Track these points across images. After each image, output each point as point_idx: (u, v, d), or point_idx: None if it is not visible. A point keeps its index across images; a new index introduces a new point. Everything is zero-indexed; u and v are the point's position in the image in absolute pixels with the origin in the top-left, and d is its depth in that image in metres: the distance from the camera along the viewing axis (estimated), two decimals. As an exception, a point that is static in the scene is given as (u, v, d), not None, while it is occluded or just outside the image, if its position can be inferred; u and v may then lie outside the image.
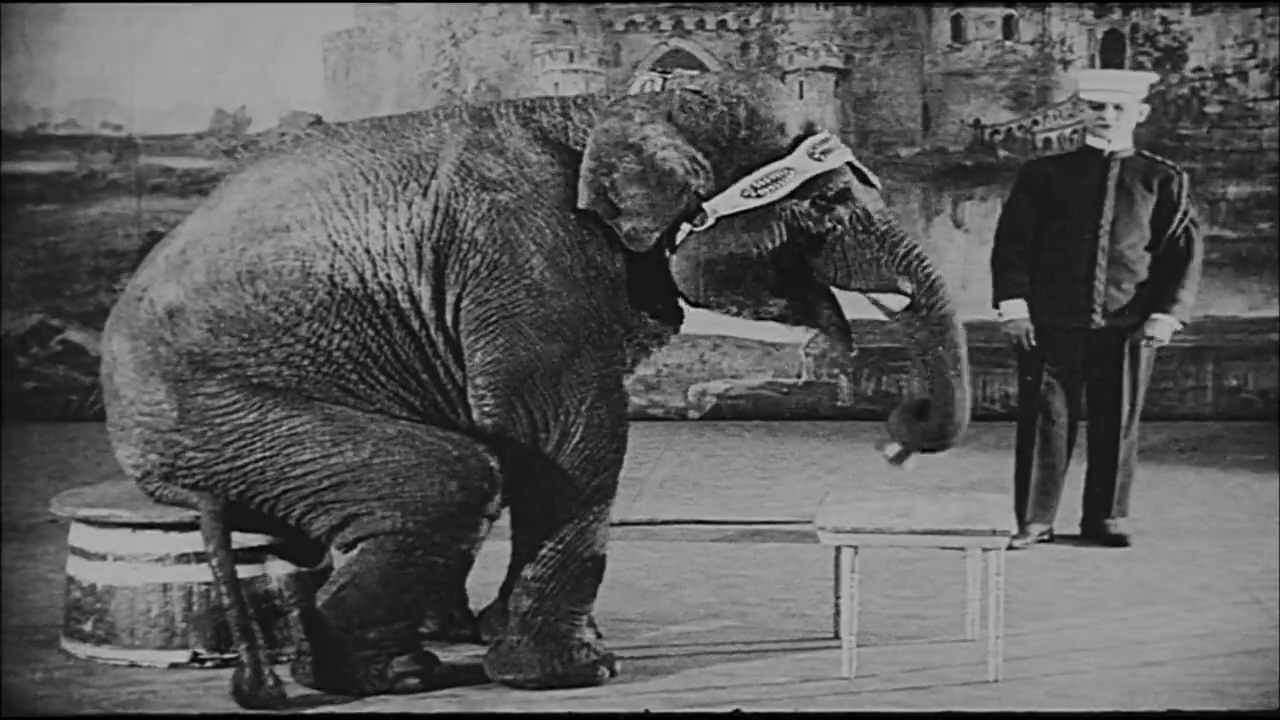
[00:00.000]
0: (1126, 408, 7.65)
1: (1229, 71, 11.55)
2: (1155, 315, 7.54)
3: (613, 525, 5.61)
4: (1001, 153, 11.55)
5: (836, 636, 5.96)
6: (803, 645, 6.08)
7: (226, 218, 5.51)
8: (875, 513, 5.76)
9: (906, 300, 5.54)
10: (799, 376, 11.76)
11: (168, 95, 11.66)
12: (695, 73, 5.69)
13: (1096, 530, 7.69)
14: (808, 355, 11.66)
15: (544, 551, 5.49)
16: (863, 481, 9.14)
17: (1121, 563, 7.28)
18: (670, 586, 6.93)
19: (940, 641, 6.13)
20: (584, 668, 5.54)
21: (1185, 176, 7.68)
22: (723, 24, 11.82)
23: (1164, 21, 11.61)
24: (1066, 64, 11.69)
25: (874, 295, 5.58)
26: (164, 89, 11.64)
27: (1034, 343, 7.55)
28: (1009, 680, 5.62)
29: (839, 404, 11.67)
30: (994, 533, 5.66)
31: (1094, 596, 6.74)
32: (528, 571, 5.51)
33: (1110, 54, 11.67)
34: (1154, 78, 8.09)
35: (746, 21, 11.80)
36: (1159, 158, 7.78)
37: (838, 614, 6.02)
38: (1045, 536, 7.65)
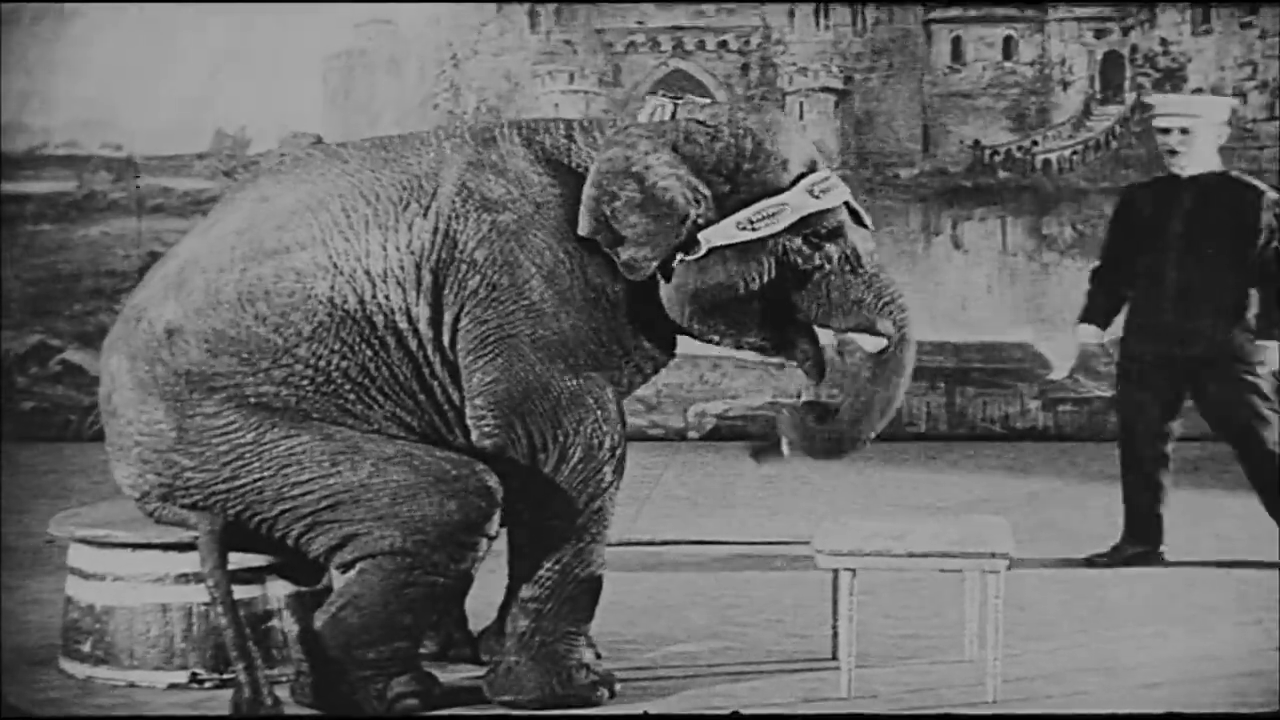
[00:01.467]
0: (1248, 439, 7.56)
1: (1229, 92, 11.56)
2: (1260, 343, 7.43)
3: (612, 546, 5.62)
4: (1001, 173, 11.56)
5: (835, 657, 5.95)
6: (801, 666, 6.07)
7: (225, 238, 5.50)
8: (872, 535, 5.76)
9: (884, 343, 5.58)
10: (799, 396, 11.75)
11: (167, 115, 11.67)
12: (707, 101, 5.69)
13: None
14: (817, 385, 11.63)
15: (541, 572, 5.48)
16: (861, 503, 9.14)
17: (1122, 583, 7.28)
18: (670, 607, 6.92)
19: (939, 662, 6.13)
20: (583, 688, 5.53)
21: (1270, 196, 7.47)
22: (723, 45, 11.83)
23: (1164, 42, 11.63)
24: (1066, 85, 11.71)
25: (851, 335, 5.62)
26: (164, 109, 11.65)
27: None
28: (1007, 701, 5.61)
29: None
30: (993, 555, 5.66)
31: (1094, 617, 6.74)
32: (525, 592, 5.51)
33: (1110, 75, 11.69)
34: (1233, 102, 8.04)
35: (747, 42, 11.82)
36: (1246, 178, 7.62)
37: (835, 635, 6.01)
38: (1139, 557, 7.64)
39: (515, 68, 11.88)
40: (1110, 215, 7.79)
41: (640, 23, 11.86)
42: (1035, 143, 11.70)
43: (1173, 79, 11.61)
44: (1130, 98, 11.64)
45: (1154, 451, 7.67)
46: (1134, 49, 11.69)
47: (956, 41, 11.79)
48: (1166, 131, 7.44)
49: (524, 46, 11.86)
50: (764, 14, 11.79)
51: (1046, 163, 11.65)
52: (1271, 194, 7.44)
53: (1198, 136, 7.41)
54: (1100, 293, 7.68)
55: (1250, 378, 7.44)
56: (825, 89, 11.75)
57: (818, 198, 5.48)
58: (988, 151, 11.65)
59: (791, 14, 11.77)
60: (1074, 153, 11.65)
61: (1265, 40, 11.54)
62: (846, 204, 5.58)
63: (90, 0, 11.55)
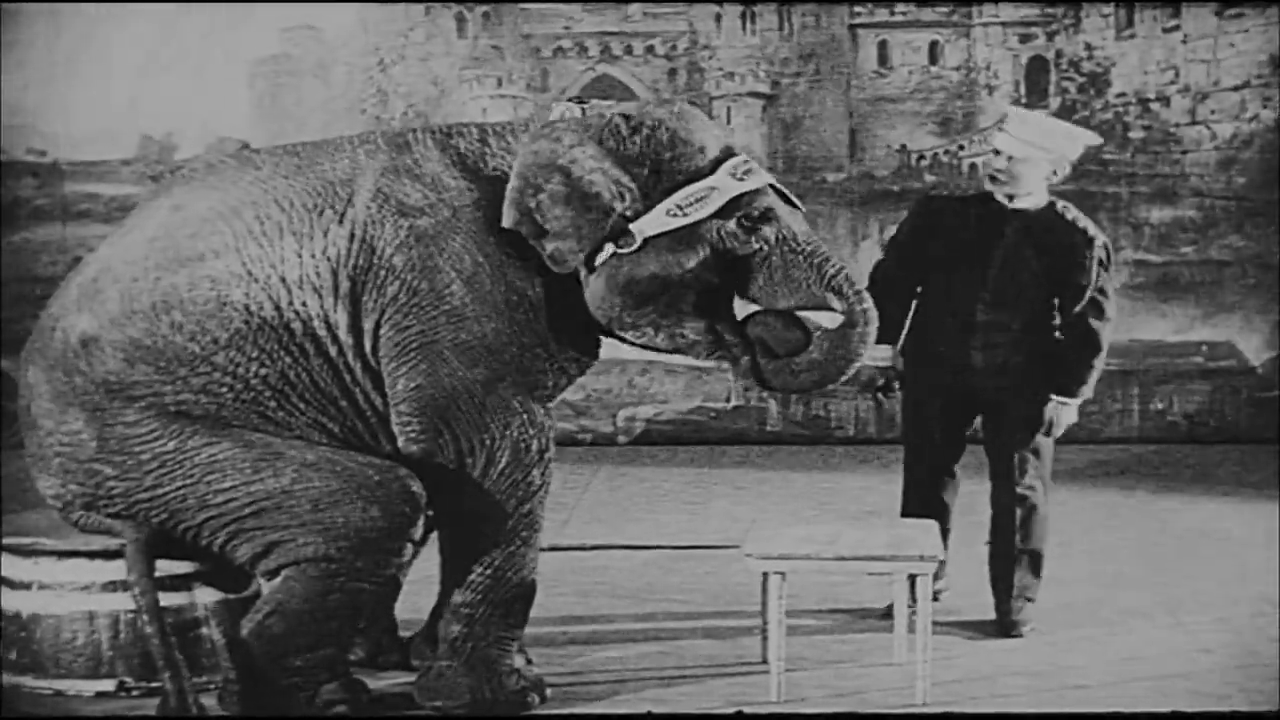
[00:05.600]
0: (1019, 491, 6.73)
1: (1152, 97, 11.65)
2: (1058, 398, 6.60)
3: (542, 550, 5.61)
4: (928, 177, 11.61)
5: (765, 661, 5.97)
6: (732, 670, 6.08)
7: (139, 246, 5.47)
8: (802, 539, 5.78)
9: (840, 319, 5.55)
10: (728, 401, 11.78)
11: (93, 121, 11.60)
12: (611, 102, 5.69)
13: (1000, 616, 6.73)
14: (736, 380, 11.66)
15: (473, 577, 5.47)
16: (791, 507, 9.16)
17: (1048, 586, 7.30)
18: (599, 612, 6.92)
19: (869, 666, 6.15)
20: (513, 694, 5.53)
21: (1101, 241, 6.61)
22: (650, 50, 11.84)
23: (1088, 47, 11.70)
24: (991, 90, 11.76)
25: (809, 313, 5.56)
26: (89, 114, 11.58)
27: (894, 391, 6.79)
28: (937, 704, 5.64)
29: (768, 429, 11.69)
30: (921, 558, 5.69)
31: (1021, 619, 6.76)
32: (457, 597, 5.50)
33: (1035, 79, 11.76)
34: (1093, 140, 6.80)
35: (674, 47, 11.83)
36: (1074, 217, 6.64)
37: (765, 639, 6.02)
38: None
39: (443, 73, 11.86)
40: (909, 222, 6.84)
41: (567, 28, 11.86)
42: (961, 147, 11.75)
43: (1097, 83, 11.69)
44: (1055, 102, 11.71)
45: (937, 481, 6.85)
46: (1059, 54, 11.75)
47: (883, 46, 11.84)
48: (997, 153, 6.58)
49: (451, 52, 11.85)
50: (691, 19, 11.82)
51: (973, 167, 11.70)
52: (1100, 237, 6.63)
53: (1034, 169, 6.55)
54: (892, 306, 6.49)
55: (1036, 436, 6.69)
56: (752, 94, 11.77)
57: (741, 179, 5.47)
58: (914, 156, 11.70)
59: (718, 19, 11.80)
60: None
61: (1187, 44, 11.62)
62: (772, 187, 5.59)
63: (12, 1, 11.47)
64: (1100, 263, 6.60)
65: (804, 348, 5.55)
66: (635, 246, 5.42)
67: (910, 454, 6.88)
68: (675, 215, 5.42)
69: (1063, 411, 6.64)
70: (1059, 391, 6.62)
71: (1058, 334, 6.67)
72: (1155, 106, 11.64)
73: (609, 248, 5.41)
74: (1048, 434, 6.68)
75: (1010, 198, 6.59)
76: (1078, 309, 6.60)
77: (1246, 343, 11.63)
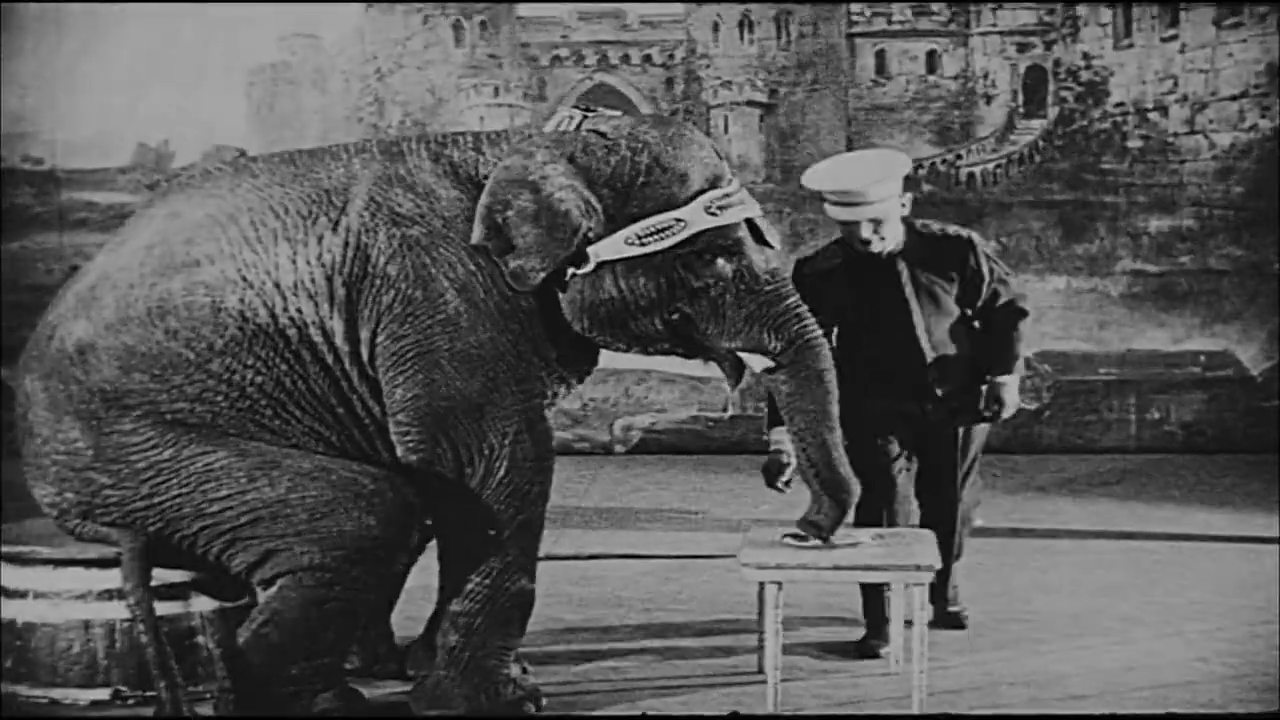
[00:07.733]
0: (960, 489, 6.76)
1: (1150, 106, 11.65)
2: (997, 379, 6.53)
3: (538, 559, 5.60)
4: (925, 187, 11.61)
5: (761, 671, 5.96)
6: (729, 680, 6.07)
7: (135, 253, 5.46)
8: (798, 548, 5.77)
9: (769, 362, 5.54)
10: (725, 410, 11.77)
11: (90, 128, 11.60)
12: (617, 113, 5.65)
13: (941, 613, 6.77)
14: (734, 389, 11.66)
15: (471, 586, 5.46)
16: (788, 516, 9.14)
17: (1047, 594, 7.31)
18: (596, 621, 6.91)
19: (865, 675, 6.14)
20: (510, 703, 5.52)
21: (975, 238, 6.63)
22: (648, 59, 11.85)
23: (1086, 56, 11.71)
24: (989, 99, 11.77)
25: (743, 354, 5.56)
26: (86, 122, 11.58)
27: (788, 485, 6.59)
28: (933, 713, 5.63)
29: (765, 438, 11.68)
30: (918, 568, 5.68)
31: (1018, 629, 6.76)
32: (455, 606, 5.49)
33: (1033, 89, 11.76)
34: (903, 162, 6.66)
35: (671, 56, 11.84)
36: (940, 229, 6.67)
37: (762, 649, 6.02)
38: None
39: (440, 81, 11.87)
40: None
41: (565, 36, 11.87)
42: (959, 156, 11.75)
43: (1095, 92, 11.69)
44: (1053, 112, 11.71)
45: (892, 498, 6.64)
46: (1057, 63, 11.76)
47: (880, 55, 11.84)
48: (853, 223, 6.41)
49: (448, 60, 11.85)
50: (688, 27, 11.82)
51: (970, 176, 11.71)
52: (977, 237, 6.65)
53: (893, 213, 6.45)
54: None
55: (983, 422, 6.69)
56: (750, 102, 11.78)
57: (715, 214, 5.43)
58: (912, 165, 11.69)
59: (716, 28, 11.80)
60: (998, 166, 11.71)
61: (1185, 54, 11.63)
62: (750, 221, 5.56)
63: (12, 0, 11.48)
64: (985, 255, 6.62)
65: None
66: (588, 270, 5.40)
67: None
68: (633, 244, 5.39)
69: (1004, 390, 6.54)
70: (994, 370, 6.55)
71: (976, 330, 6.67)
72: (1153, 116, 11.65)
73: (569, 268, 5.40)
74: (994, 419, 6.61)
75: (884, 244, 6.48)
76: (980, 302, 6.58)
77: (1244, 352, 11.63)
